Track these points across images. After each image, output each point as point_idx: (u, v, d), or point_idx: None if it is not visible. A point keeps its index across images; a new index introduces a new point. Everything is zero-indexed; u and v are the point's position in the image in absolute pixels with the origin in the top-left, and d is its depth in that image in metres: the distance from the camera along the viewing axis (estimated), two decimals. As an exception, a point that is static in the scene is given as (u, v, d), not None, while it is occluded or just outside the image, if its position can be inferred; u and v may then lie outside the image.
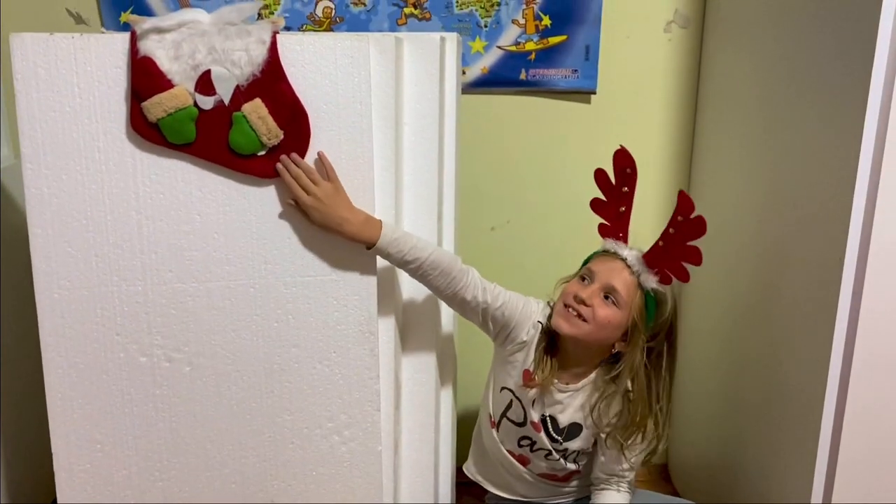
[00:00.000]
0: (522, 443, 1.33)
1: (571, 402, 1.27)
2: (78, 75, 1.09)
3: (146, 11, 1.57)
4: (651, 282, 1.19)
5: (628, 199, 1.23)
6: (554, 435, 1.29)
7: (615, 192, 1.24)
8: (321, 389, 1.22)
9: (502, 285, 1.27)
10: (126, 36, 1.09)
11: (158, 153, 1.13)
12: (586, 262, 1.26)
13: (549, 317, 1.25)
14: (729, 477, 1.52)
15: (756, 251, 1.39)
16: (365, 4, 1.60)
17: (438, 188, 1.27)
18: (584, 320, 1.19)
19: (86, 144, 1.11)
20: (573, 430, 1.29)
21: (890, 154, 1.03)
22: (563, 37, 1.63)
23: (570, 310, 1.20)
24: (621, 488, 1.30)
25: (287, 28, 1.54)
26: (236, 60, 1.09)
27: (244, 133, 1.11)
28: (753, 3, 1.41)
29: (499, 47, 1.63)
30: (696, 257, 1.15)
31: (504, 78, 1.65)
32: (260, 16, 1.58)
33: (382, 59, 1.17)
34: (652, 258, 1.20)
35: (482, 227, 1.77)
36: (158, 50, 1.08)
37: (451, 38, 1.27)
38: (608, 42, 1.64)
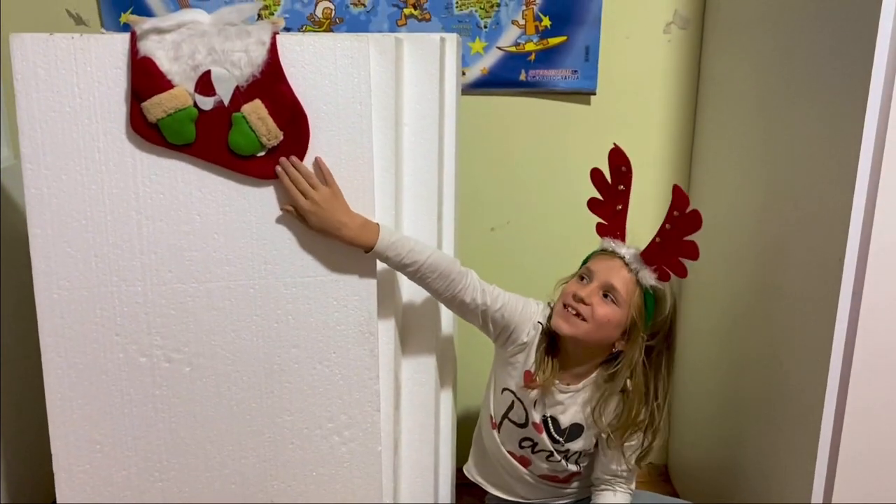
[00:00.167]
0: (524, 444, 1.33)
1: (573, 402, 1.27)
2: (78, 76, 1.09)
3: (146, 12, 1.57)
4: (649, 279, 1.19)
5: (625, 198, 1.23)
6: (555, 436, 1.29)
7: (611, 191, 1.24)
8: (321, 390, 1.22)
9: (502, 286, 1.27)
10: (126, 36, 1.09)
11: (158, 153, 1.13)
12: (585, 261, 1.27)
13: (550, 318, 1.25)
14: (729, 477, 1.52)
15: (756, 251, 1.39)
16: (365, 5, 1.60)
17: (438, 189, 1.27)
18: (584, 319, 1.19)
19: (86, 145, 1.11)
20: (574, 430, 1.29)
21: (890, 153, 1.03)
22: (563, 37, 1.63)
23: (570, 309, 1.20)
24: (622, 489, 1.30)
25: (287, 29, 1.54)
26: (236, 61, 1.09)
27: (244, 134, 1.11)
28: (753, 4, 1.41)
29: (498, 48, 1.63)
30: (692, 252, 1.15)
31: (504, 79, 1.65)
32: (260, 16, 1.58)
33: (382, 59, 1.17)
34: (649, 255, 1.20)
35: (482, 227, 1.77)
36: (158, 50, 1.08)
37: (451, 39, 1.27)
38: (608, 43, 1.64)
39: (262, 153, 1.13)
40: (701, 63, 1.68)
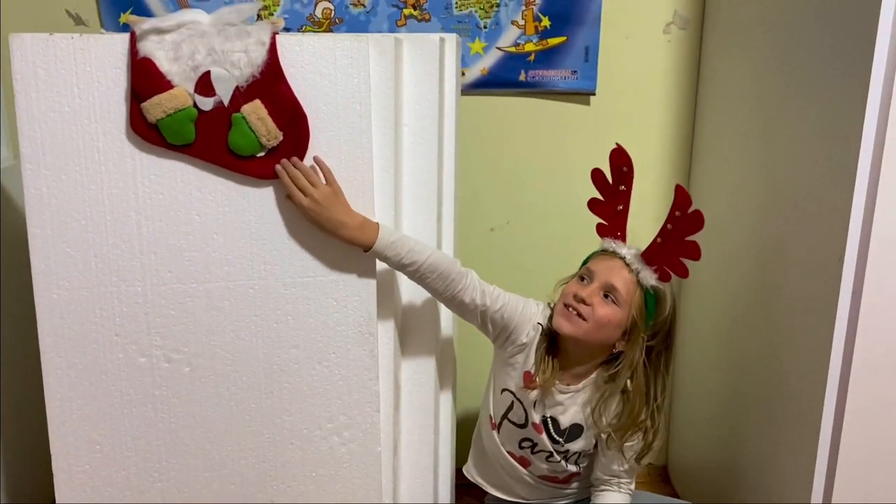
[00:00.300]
0: (523, 444, 1.33)
1: (573, 403, 1.27)
2: (77, 76, 1.09)
3: (145, 12, 1.57)
4: (650, 279, 1.19)
5: (625, 198, 1.23)
6: (555, 436, 1.29)
7: (612, 191, 1.24)
8: (320, 390, 1.22)
9: (502, 286, 1.26)
10: (125, 37, 1.09)
11: (158, 154, 1.13)
12: (585, 262, 1.26)
13: (550, 318, 1.25)
14: (729, 477, 1.52)
15: (756, 251, 1.39)
16: (364, 5, 1.60)
17: (438, 189, 1.27)
18: (584, 319, 1.19)
19: (85, 145, 1.11)
20: (574, 431, 1.29)
21: (889, 153, 1.03)
22: (563, 38, 1.63)
23: (570, 309, 1.20)
24: (621, 489, 1.30)
25: (286, 29, 1.54)
26: (236, 61, 1.10)
27: (243, 134, 1.11)
28: (752, 4, 1.41)
29: (498, 48, 1.63)
30: (694, 252, 1.15)
31: (503, 79, 1.65)
32: (259, 17, 1.58)
33: (382, 59, 1.17)
34: (650, 255, 1.20)
35: (482, 227, 1.77)
36: (158, 51, 1.08)
37: (451, 39, 1.27)
38: (608, 43, 1.64)
39: (262, 153, 1.13)
40: (701, 63, 1.68)
